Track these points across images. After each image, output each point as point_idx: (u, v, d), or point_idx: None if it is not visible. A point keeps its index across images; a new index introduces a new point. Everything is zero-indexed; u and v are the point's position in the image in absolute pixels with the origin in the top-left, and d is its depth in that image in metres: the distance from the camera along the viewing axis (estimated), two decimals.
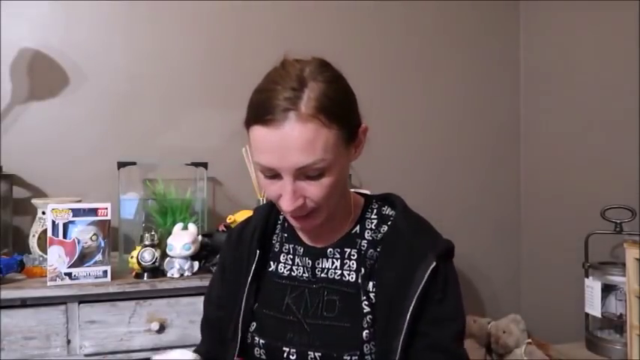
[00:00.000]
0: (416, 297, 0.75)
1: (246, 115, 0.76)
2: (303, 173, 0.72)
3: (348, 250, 0.84)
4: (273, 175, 0.74)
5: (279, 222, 0.91)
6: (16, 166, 1.62)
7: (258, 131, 0.72)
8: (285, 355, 0.80)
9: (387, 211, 0.86)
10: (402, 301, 0.76)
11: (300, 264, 0.86)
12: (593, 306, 1.56)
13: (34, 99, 1.70)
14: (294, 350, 0.80)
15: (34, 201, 1.51)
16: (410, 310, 0.75)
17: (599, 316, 1.55)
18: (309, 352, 0.79)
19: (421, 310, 0.76)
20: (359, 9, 2.04)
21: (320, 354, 0.78)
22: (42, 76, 1.70)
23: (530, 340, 1.88)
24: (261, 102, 0.72)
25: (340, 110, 0.73)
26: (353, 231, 0.85)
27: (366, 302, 0.79)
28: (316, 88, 0.72)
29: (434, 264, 0.77)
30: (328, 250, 0.84)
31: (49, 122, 1.71)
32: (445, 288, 0.78)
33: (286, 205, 0.74)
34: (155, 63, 1.82)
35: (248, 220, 0.95)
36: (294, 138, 0.69)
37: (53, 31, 1.72)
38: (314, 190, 0.74)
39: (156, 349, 1.32)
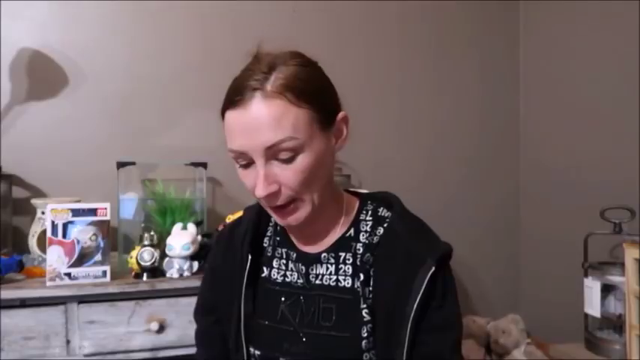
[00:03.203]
0: (416, 304, 0.72)
1: (222, 106, 0.74)
2: (275, 155, 0.70)
3: (343, 254, 0.80)
4: (247, 162, 0.72)
5: (271, 224, 0.87)
6: (16, 166, 1.62)
7: (229, 115, 0.71)
8: None
9: (383, 212, 0.82)
10: (403, 308, 0.73)
11: (294, 269, 0.82)
12: (593, 306, 1.56)
13: (33, 99, 1.70)
14: None
15: (33, 201, 1.51)
16: (411, 317, 0.72)
17: (599, 316, 1.55)
18: None
19: (422, 317, 0.73)
20: (358, 9, 2.04)
21: None
22: (42, 76, 1.70)
23: (529, 340, 1.89)
24: (233, 87, 0.72)
25: (310, 90, 0.71)
26: (347, 234, 0.81)
27: (366, 310, 0.76)
28: (285, 70, 0.71)
29: (433, 269, 0.73)
30: (322, 256, 0.81)
31: (49, 122, 1.71)
32: (445, 294, 0.76)
33: (259, 190, 0.70)
34: (155, 63, 1.82)
35: (238, 220, 0.90)
36: (261, 116, 0.68)
37: (53, 31, 1.72)
38: (288, 174, 0.70)
39: (155, 350, 1.33)
